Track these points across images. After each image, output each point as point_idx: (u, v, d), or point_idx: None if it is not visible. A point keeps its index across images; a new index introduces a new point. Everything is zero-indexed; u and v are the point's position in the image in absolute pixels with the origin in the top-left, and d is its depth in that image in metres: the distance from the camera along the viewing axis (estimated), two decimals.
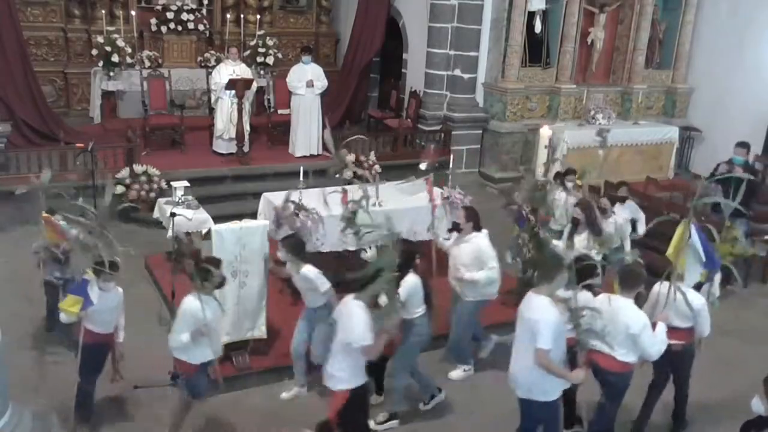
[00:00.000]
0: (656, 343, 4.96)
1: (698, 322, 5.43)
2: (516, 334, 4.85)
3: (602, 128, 9.49)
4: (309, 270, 5.64)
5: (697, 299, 5.41)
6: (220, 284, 5.11)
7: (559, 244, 6.92)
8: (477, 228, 6.29)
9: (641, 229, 7.91)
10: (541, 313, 4.58)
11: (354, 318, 4.68)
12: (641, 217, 7.99)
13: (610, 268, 6.30)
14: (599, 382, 5.16)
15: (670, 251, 5.52)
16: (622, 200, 7.87)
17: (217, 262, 5.13)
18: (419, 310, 5.61)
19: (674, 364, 5.58)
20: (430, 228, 7.25)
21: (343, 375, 4.81)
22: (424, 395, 6.03)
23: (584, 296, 4.95)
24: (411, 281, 5.48)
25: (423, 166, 7.71)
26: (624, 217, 7.61)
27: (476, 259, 6.17)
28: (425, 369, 6.05)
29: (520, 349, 4.78)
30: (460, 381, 6.50)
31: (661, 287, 5.43)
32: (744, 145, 9.08)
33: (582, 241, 6.73)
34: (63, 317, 5.17)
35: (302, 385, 6.12)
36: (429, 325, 5.73)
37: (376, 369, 5.79)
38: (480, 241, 6.23)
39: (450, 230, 6.80)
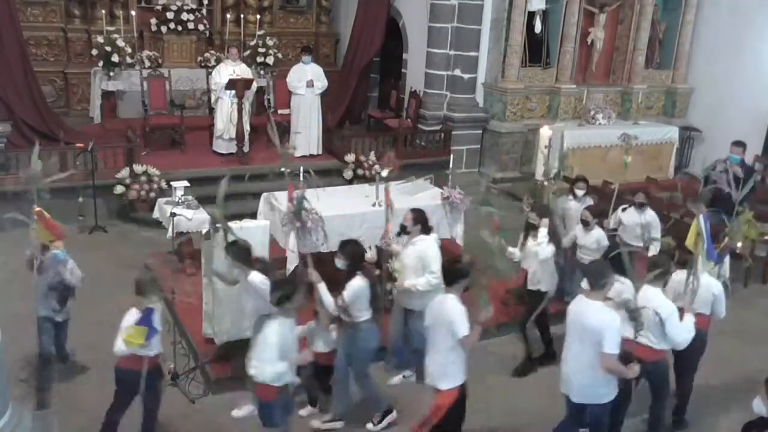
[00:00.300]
0: (683, 331, 5.15)
1: (716, 305, 5.68)
2: (571, 340, 4.92)
3: (627, 133, 9.26)
4: (255, 276, 5.39)
5: (715, 284, 5.66)
6: (300, 306, 4.99)
7: (515, 252, 6.84)
8: (425, 231, 6.06)
9: (655, 245, 7.34)
10: (604, 319, 4.66)
11: (456, 310, 4.79)
12: (656, 229, 7.54)
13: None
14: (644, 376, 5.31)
15: (688, 241, 5.76)
16: (640, 206, 7.64)
17: (293, 286, 4.94)
18: (365, 315, 5.46)
19: (686, 350, 5.61)
20: (383, 236, 6.71)
21: (454, 370, 4.88)
22: (375, 411, 5.78)
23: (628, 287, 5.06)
24: (357, 284, 5.35)
25: (384, 173, 7.12)
26: (635, 221, 7.49)
27: (420, 261, 5.92)
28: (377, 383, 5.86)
29: (578, 355, 4.83)
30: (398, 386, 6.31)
31: (679, 275, 5.57)
32: (740, 144, 9.11)
33: (534, 246, 6.51)
34: (121, 348, 4.86)
35: None
36: (377, 331, 5.58)
37: (310, 381, 5.69)
38: (426, 244, 5.97)
39: (398, 234, 6.29)
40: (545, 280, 6.57)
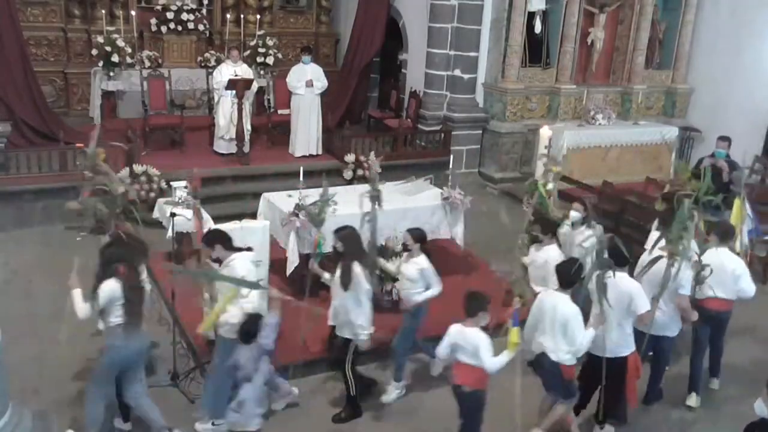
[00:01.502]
0: (752, 282, 6.19)
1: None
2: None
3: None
4: None
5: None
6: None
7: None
8: (231, 248, 5.42)
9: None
10: (683, 270, 5.72)
11: (635, 287, 5.40)
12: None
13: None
14: (708, 323, 6.21)
15: (733, 220, 6.79)
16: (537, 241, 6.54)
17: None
18: (117, 322, 4.98)
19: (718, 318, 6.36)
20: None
21: (630, 339, 5.49)
22: None
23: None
24: (108, 286, 4.90)
25: (185, 194, 6.60)
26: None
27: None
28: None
29: (662, 300, 5.80)
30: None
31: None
32: (726, 139, 9.24)
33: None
34: (506, 359, 4.84)
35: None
36: (137, 341, 5.09)
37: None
38: (237, 263, 5.31)
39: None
40: (346, 324, 5.69)
